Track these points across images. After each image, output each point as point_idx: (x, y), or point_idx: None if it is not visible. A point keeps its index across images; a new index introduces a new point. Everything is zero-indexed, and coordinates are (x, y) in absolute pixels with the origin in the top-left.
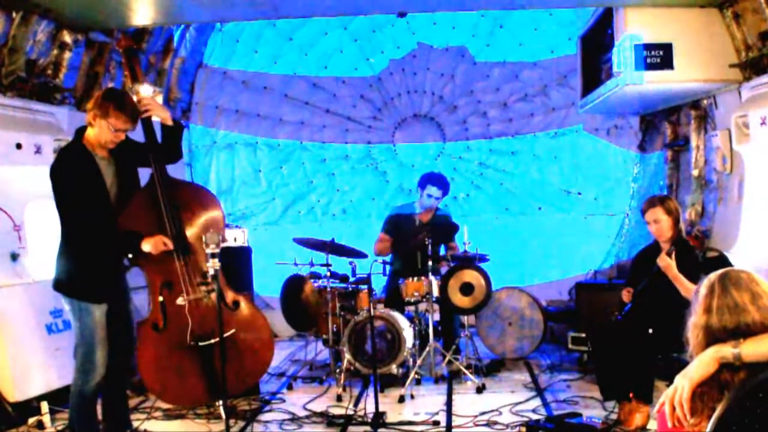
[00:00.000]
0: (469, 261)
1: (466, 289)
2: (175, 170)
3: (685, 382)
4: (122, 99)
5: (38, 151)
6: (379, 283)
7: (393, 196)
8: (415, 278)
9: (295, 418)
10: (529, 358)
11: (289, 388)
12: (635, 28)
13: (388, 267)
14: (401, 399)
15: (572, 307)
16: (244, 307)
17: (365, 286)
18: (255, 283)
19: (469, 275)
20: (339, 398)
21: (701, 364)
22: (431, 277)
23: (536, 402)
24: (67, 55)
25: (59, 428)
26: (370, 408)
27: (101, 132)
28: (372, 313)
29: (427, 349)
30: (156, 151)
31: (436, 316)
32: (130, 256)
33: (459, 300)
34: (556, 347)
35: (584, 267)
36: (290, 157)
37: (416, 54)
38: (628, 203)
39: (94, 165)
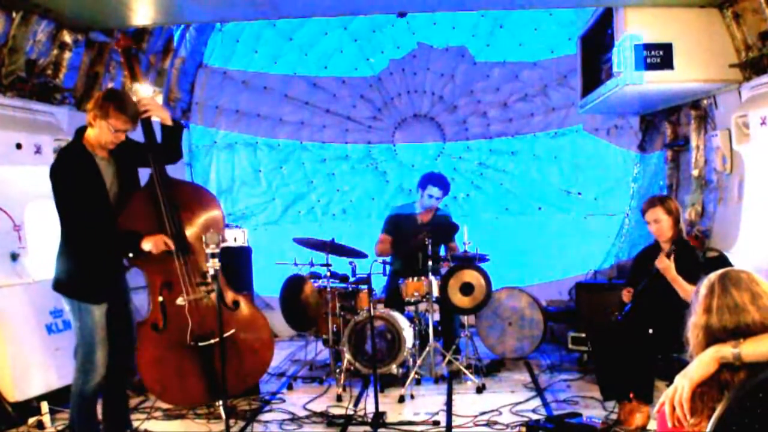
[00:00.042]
0: (469, 261)
1: (466, 289)
2: (175, 170)
3: (685, 382)
4: (122, 100)
5: (38, 151)
6: (379, 283)
7: (393, 196)
8: (415, 278)
9: (295, 418)
10: (529, 358)
11: (289, 388)
12: (635, 28)
13: (388, 267)
14: (401, 399)
15: (572, 307)
16: (243, 307)
17: (365, 286)
18: (255, 283)
19: (469, 275)
20: (339, 398)
21: (701, 364)
22: (431, 277)
23: (536, 402)
24: (67, 55)
25: (59, 428)
26: (370, 408)
27: (101, 132)
28: (372, 313)
29: (427, 349)
30: (155, 151)
31: (436, 316)
32: (130, 255)
33: (459, 300)
34: (556, 347)
35: (584, 267)
36: (290, 157)
37: (416, 54)
38: (628, 203)
39: (94, 165)
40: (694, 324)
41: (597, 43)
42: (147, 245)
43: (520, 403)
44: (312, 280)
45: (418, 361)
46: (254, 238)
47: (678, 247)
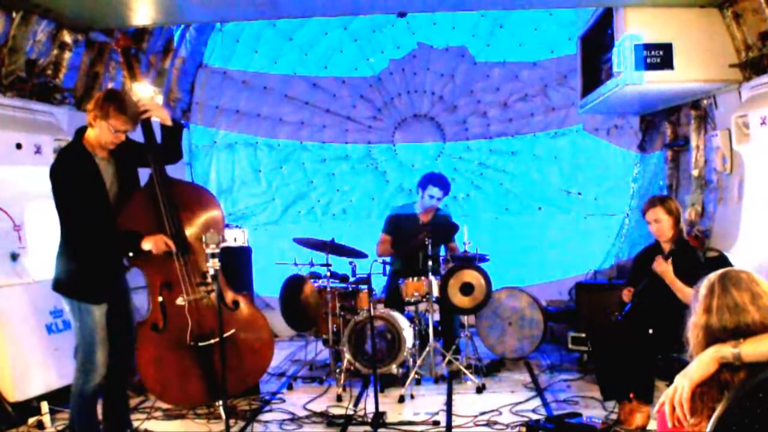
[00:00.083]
0: (469, 261)
1: (466, 289)
2: (175, 170)
3: (685, 382)
4: (123, 100)
5: (38, 151)
6: (379, 283)
7: (393, 196)
8: (415, 278)
9: (295, 418)
10: (529, 358)
11: (289, 388)
12: (635, 28)
13: (388, 267)
14: (401, 399)
15: (572, 307)
16: (243, 307)
17: (365, 286)
18: (255, 283)
19: (469, 275)
20: (339, 398)
21: (701, 364)
22: (431, 277)
23: (536, 402)
24: (67, 55)
25: (59, 428)
26: (370, 408)
27: (101, 133)
28: (372, 313)
29: (427, 349)
30: (155, 151)
31: (436, 316)
32: (130, 255)
33: (459, 300)
34: (556, 347)
35: (584, 267)
36: (290, 157)
37: (416, 54)
38: (628, 203)
39: (93, 165)
40: (694, 324)
41: (597, 43)
42: (147, 245)
43: (520, 403)
44: (312, 280)
45: (418, 361)
46: (254, 238)
47: (678, 248)
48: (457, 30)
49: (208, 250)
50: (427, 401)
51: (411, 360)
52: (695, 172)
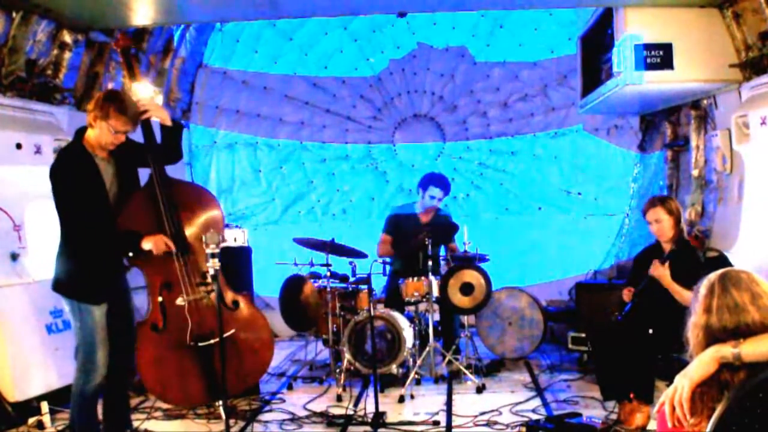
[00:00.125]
0: (469, 261)
1: (466, 289)
2: (175, 170)
3: (685, 381)
4: (123, 101)
5: (38, 151)
6: (379, 283)
7: (393, 196)
8: (415, 278)
9: (295, 418)
10: (529, 358)
11: (289, 388)
12: (635, 28)
13: (388, 267)
14: (401, 399)
15: (572, 307)
16: (243, 307)
17: (365, 286)
18: (255, 283)
19: (469, 275)
20: (339, 398)
21: (701, 364)
22: (431, 277)
23: (536, 402)
24: (67, 55)
25: (59, 428)
26: (370, 408)
27: (101, 133)
28: (372, 313)
29: (427, 349)
30: (155, 151)
31: (436, 316)
32: (130, 255)
33: (459, 300)
34: (556, 347)
35: (584, 267)
36: (290, 157)
37: (416, 54)
38: (628, 203)
39: (93, 166)
40: (694, 324)
41: (597, 43)
42: (147, 245)
43: (520, 403)
44: (312, 280)
45: (418, 361)
46: (254, 238)
47: (678, 248)
48: (457, 30)
49: (208, 250)
50: (427, 401)
51: (411, 360)
52: (695, 172)
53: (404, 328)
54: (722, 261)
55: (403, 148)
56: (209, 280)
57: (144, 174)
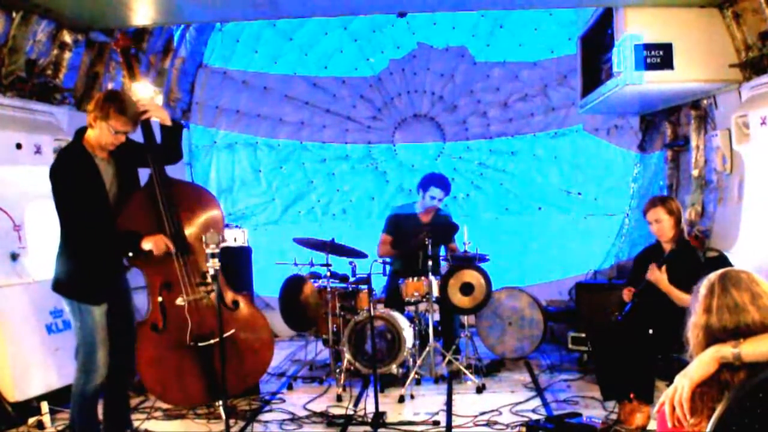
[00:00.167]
0: (469, 261)
1: (466, 289)
2: (175, 170)
3: (685, 381)
4: (123, 101)
5: (38, 151)
6: (379, 283)
7: (393, 196)
8: (415, 278)
9: (295, 418)
10: (529, 358)
11: (289, 388)
12: (635, 28)
13: (388, 267)
14: (401, 399)
15: (572, 307)
16: (243, 307)
17: (365, 286)
18: (255, 283)
19: (469, 275)
20: (339, 398)
21: (701, 364)
22: (431, 277)
23: (536, 402)
24: (67, 55)
25: (59, 428)
26: (370, 408)
27: (101, 134)
28: (372, 313)
29: (427, 349)
30: (154, 151)
31: (436, 316)
32: (130, 255)
33: (459, 300)
34: (556, 347)
35: (584, 267)
36: (290, 157)
37: (416, 54)
38: (628, 203)
39: (93, 166)
40: (694, 324)
41: (597, 43)
42: (147, 245)
43: (520, 403)
44: (312, 280)
45: (418, 361)
46: (254, 238)
47: (679, 248)
48: (457, 30)
49: (208, 250)
50: (427, 401)
51: (411, 360)
52: (695, 172)
53: (404, 328)
54: (722, 261)
55: (403, 148)
56: (209, 280)
57: (144, 174)
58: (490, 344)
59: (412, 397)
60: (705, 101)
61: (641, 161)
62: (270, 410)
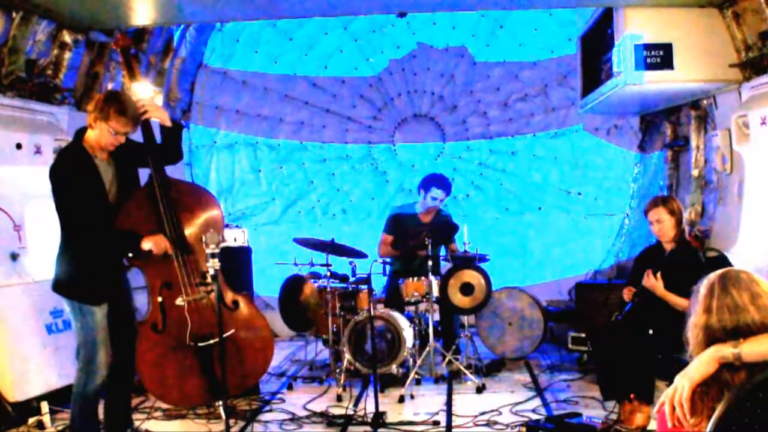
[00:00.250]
0: (469, 261)
1: (466, 289)
2: (175, 170)
3: (685, 381)
4: (123, 102)
5: (38, 151)
6: (379, 283)
7: (393, 196)
8: (415, 278)
9: (295, 418)
10: (529, 358)
11: (289, 388)
12: (635, 28)
13: (388, 267)
14: (401, 399)
15: (572, 307)
16: (243, 307)
17: (365, 286)
18: (255, 283)
19: (469, 275)
20: (339, 398)
21: (701, 364)
22: (431, 277)
23: (536, 402)
24: (67, 55)
25: (59, 428)
26: (370, 408)
27: (101, 134)
28: (372, 313)
29: (427, 349)
30: (154, 152)
31: (436, 316)
32: (129, 255)
33: (459, 300)
34: (556, 347)
35: (584, 267)
36: (290, 157)
37: (416, 54)
38: (628, 203)
39: (93, 166)
40: (694, 324)
41: (597, 43)
42: (147, 245)
43: (520, 403)
44: (312, 280)
45: (418, 361)
46: (254, 238)
47: (679, 248)
48: (457, 30)
49: (208, 251)
50: (427, 401)
51: (411, 360)
52: (695, 172)
53: (404, 328)
54: (722, 261)
55: (403, 148)
56: (209, 280)
57: (144, 174)
58: (490, 344)
59: (412, 397)
60: (705, 101)
61: (641, 161)
62: (270, 410)
